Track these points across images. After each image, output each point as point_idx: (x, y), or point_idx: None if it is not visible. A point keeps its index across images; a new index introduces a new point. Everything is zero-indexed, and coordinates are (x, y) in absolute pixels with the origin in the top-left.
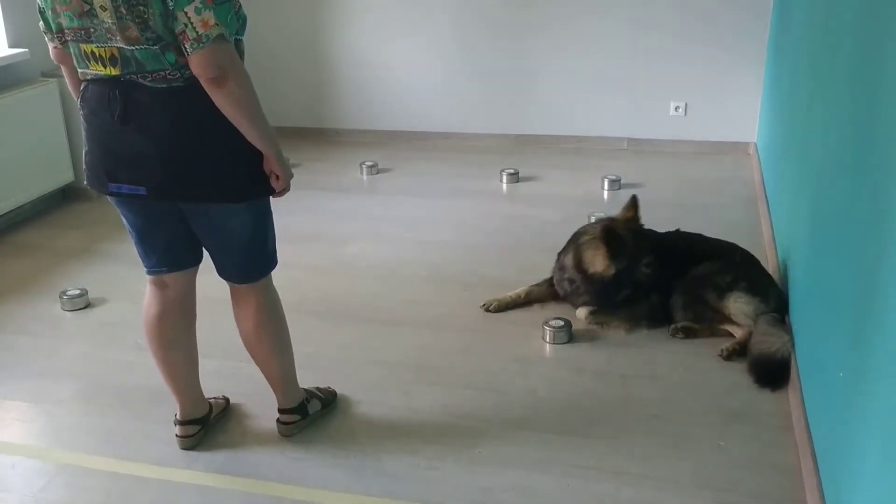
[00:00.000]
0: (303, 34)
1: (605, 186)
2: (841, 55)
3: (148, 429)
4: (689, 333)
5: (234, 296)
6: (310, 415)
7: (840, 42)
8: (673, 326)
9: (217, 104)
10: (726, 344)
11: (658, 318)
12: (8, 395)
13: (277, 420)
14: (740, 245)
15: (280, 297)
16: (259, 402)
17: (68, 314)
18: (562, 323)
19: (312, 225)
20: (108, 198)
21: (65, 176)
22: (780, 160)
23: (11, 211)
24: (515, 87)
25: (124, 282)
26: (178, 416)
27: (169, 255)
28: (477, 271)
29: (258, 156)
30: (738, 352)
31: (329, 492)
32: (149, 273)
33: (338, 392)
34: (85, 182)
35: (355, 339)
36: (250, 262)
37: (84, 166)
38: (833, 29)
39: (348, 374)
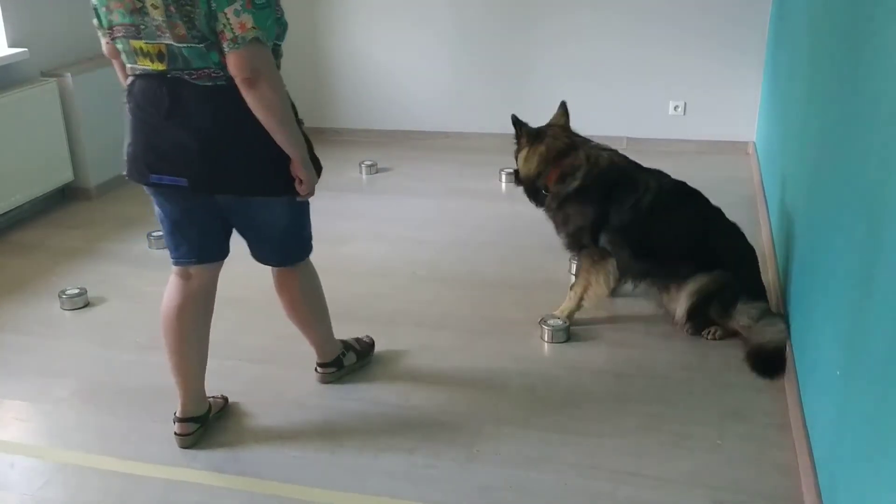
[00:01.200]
0: (302, 34)
1: None
2: (839, 54)
3: (147, 428)
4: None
5: (275, 275)
6: (345, 367)
7: (838, 41)
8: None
9: (249, 104)
10: (719, 330)
11: (629, 271)
12: (7, 395)
13: (315, 370)
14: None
15: (280, 296)
16: (258, 401)
17: (67, 313)
18: (560, 322)
19: (311, 224)
20: (145, 188)
21: (65, 175)
22: (778, 159)
23: (11, 210)
24: (514, 86)
25: (123, 281)
26: (177, 414)
27: (198, 247)
28: (477, 271)
29: None
30: (724, 336)
31: (327, 490)
32: (175, 264)
33: (371, 349)
34: (124, 173)
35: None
36: (287, 249)
37: (124, 158)
38: (831, 28)
39: (348, 372)
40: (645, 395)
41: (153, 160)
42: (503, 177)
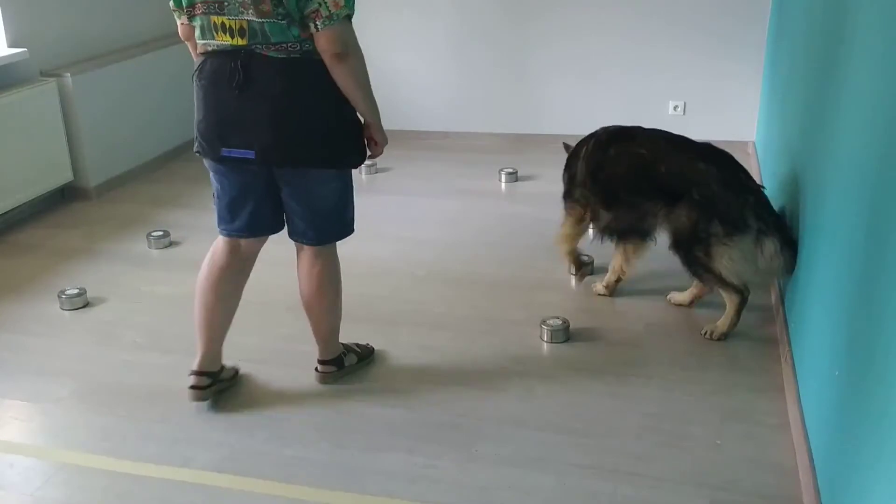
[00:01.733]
0: None
1: None
2: (838, 53)
3: (146, 427)
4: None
5: (303, 257)
6: (345, 367)
7: (837, 40)
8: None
9: (336, 77)
10: (711, 325)
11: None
12: (6, 394)
13: (316, 369)
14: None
15: (280, 296)
16: (258, 400)
17: (67, 313)
18: (560, 322)
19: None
20: (207, 164)
21: (64, 175)
22: (778, 159)
23: (11, 210)
24: (513, 86)
25: (123, 281)
26: (194, 368)
27: (252, 223)
28: (476, 271)
29: (357, 126)
30: (723, 337)
31: (327, 490)
32: (227, 236)
33: (371, 354)
34: (195, 149)
35: (354, 338)
36: (328, 227)
37: (196, 134)
38: (831, 27)
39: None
40: (644, 395)
41: (225, 133)
42: (503, 177)
